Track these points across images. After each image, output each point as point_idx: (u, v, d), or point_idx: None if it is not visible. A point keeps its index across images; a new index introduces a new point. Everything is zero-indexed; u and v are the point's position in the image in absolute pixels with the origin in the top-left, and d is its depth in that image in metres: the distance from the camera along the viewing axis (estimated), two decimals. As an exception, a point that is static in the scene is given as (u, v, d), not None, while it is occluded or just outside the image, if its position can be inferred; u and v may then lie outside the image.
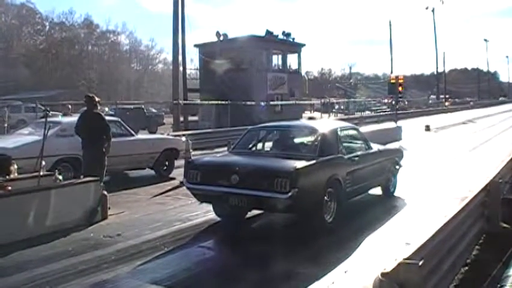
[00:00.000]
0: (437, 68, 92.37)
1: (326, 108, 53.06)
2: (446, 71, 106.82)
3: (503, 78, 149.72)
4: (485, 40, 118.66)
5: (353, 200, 9.65)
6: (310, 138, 9.33)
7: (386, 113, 51.86)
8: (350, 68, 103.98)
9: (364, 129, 28.03)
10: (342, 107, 62.44)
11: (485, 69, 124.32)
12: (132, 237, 8.32)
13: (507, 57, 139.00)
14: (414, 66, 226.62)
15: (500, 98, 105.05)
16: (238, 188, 7.89)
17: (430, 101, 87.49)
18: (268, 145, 9.84)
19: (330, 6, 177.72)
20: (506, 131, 30.90)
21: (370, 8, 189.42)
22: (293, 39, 50.69)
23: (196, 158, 10.68)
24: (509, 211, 8.31)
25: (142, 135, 15.79)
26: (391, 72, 63.96)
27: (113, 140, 11.15)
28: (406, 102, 70.14)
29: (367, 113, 57.19)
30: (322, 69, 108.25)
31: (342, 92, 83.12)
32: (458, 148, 22.25)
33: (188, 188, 8.89)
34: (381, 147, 11.77)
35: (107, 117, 11.83)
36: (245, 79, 41.99)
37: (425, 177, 14.60)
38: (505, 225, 8.20)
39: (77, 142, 11.06)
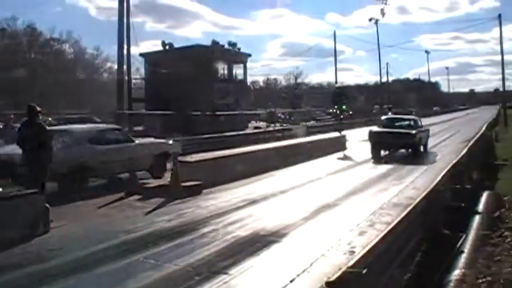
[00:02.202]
0: (380, 78, 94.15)
1: (271, 118, 53.30)
2: (390, 81, 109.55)
3: (444, 88, 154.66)
4: (427, 52, 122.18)
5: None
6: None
7: (331, 122, 52.54)
8: (295, 77, 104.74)
9: (309, 138, 28.71)
10: (287, 117, 62.97)
11: (427, 80, 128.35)
12: (75, 250, 8.13)
13: (447, 68, 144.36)
14: (360, 76, 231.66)
15: (435, 108, 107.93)
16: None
17: (374, 111, 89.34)
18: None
19: (277, 16, 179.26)
20: (448, 140, 31.87)
21: (318, 18, 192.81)
22: (239, 49, 50.88)
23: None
24: (451, 218, 8.57)
25: (141, 141, 16.72)
26: (336, 82, 65.07)
27: (115, 145, 14.16)
28: (351, 112, 71.36)
29: (312, 122, 57.83)
30: (267, 79, 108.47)
31: (288, 101, 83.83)
32: (400, 157, 22.82)
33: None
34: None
35: (110, 125, 14.71)
36: (191, 89, 41.77)
37: (367, 185, 14.87)
38: (446, 231, 8.44)
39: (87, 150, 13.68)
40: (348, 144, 27.90)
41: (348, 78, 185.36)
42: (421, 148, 23.68)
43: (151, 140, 17.95)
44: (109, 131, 15.93)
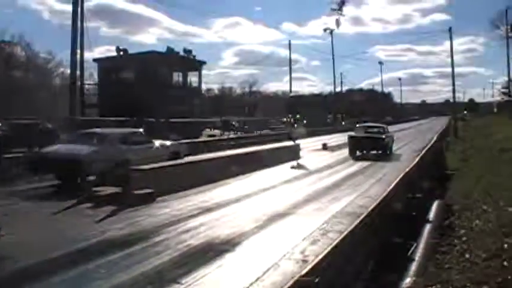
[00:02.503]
0: (334, 87, 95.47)
1: (226, 127, 53.23)
2: (344, 90, 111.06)
3: (397, 98, 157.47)
4: (380, 63, 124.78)
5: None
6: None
7: (285, 131, 52.73)
8: (250, 86, 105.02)
9: (263, 147, 28.79)
10: (242, 126, 63.01)
11: (380, 90, 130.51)
12: (24, 259, 7.92)
13: (399, 79, 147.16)
14: (315, 86, 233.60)
15: (388, 118, 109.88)
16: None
17: (328, 120, 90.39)
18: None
19: (233, 24, 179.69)
20: (400, 150, 32.46)
21: (274, 27, 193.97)
22: (194, 56, 50.72)
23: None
24: (403, 227, 8.71)
25: (158, 143, 19.30)
26: (290, 91, 65.51)
27: (141, 146, 17.70)
28: (305, 121, 71.93)
29: (267, 131, 58.00)
30: (222, 87, 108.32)
31: (242, 110, 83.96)
32: (353, 168, 23.13)
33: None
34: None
35: (134, 129, 17.78)
36: (145, 95, 41.37)
37: (321, 194, 14.99)
38: (398, 240, 8.58)
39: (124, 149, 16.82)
40: (301, 153, 28.07)
41: (302, 88, 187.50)
42: (389, 150, 28.60)
43: (165, 142, 20.54)
44: (135, 133, 18.93)
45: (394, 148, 31.10)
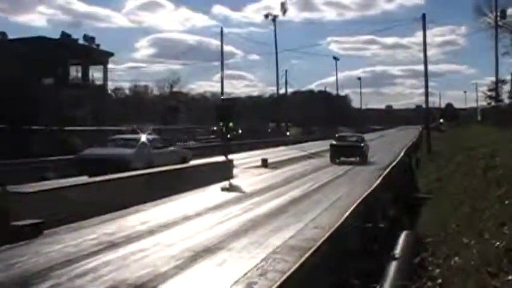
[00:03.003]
0: (278, 89, 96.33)
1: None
2: (290, 92, 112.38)
3: (356, 103, 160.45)
4: (335, 58, 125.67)
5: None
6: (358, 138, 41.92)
7: (215, 143, 52.82)
8: (171, 85, 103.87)
9: (186, 164, 28.74)
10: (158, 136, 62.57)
11: (335, 93, 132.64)
12: None
13: (359, 79, 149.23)
14: (253, 86, 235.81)
15: (341, 129, 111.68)
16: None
17: (270, 130, 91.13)
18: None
19: (149, 5, 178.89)
20: (359, 167, 33.07)
21: (202, 11, 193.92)
22: (98, 45, 50.21)
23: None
24: (361, 264, 8.85)
25: (173, 147, 31.10)
26: (222, 92, 65.66)
27: (163, 150, 27.99)
28: (240, 131, 72.20)
29: (192, 143, 57.87)
30: (135, 85, 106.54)
31: (160, 116, 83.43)
32: (298, 187, 23.41)
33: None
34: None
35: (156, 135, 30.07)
36: (29, 96, 40.22)
37: (259, 223, 15.09)
38: (356, 281, 8.70)
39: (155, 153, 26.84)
40: (235, 171, 28.23)
41: (238, 88, 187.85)
42: (365, 158, 38.89)
43: (175, 147, 32.31)
44: (158, 139, 30.78)
45: (349, 167, 31.99)
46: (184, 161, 29.14)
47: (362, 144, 39.83)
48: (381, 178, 19.73)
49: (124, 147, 26.38)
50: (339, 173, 30.04)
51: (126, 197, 17.60)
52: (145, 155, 26.05)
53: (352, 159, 38.18)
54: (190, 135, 67.16)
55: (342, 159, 38.23)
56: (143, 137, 28.43)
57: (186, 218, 16.01)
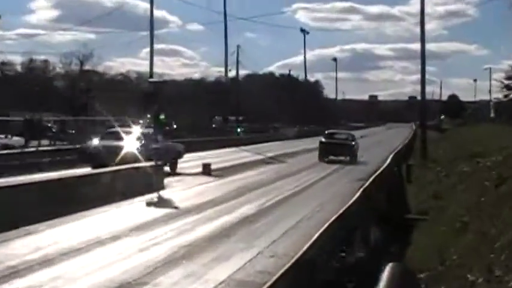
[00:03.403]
0: (226, 71, 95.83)
1: (33, 131, 51.83)
2: (242, 76, 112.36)
3: (330, 92, 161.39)
4: (303, 31, 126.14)
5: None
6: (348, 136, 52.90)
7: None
8: (81, 61, 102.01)
9: (101, 169, 28.54)
10: (64, 130, 62.14)
11: (302, 78, 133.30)
12: None
13: (335, 60, 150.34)
14: (194, 66, 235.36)
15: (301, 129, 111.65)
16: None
17: (215, 125, 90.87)
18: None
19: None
20: (332, 176, 33.33)
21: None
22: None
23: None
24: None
25: (169, 142, 37.98)
26: (151, 73, 65.21)
27: (162, 143, 33.32)
28: (175, 126, 72.08)
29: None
30: (31, 59, 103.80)
31: (67, 102, 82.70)
32: (251, 202, 23.49)
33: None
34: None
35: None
36: None
37: (195, 250, 15.07)
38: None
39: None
40: (167, 180, 28.16)
41: (173, 68, 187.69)
42: (355, 157, 46.86)
43: (168, 141, 37.67)
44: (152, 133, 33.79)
45: (323, 174, 32.25)
46: (179, 156, 36.80)
47: (353, 143, 48.86)
48: (360, 191, 19.82)
49: (127, 141, 33.02)
50: (306, 183, 30.27)
51: (6, 214, 17.25)
52: (148, 149, 31.31)
53: (342, 158, 46.27)
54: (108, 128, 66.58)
55: (331, 157, 45.82)
56: (142, 130, 34.86)
57: (99, 243, 15.86)
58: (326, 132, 55.04)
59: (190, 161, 39.39)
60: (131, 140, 32.95)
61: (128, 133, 34.38)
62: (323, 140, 49.24)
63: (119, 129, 36.59)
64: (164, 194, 25.14)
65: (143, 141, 32.71)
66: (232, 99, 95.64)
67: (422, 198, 28.92)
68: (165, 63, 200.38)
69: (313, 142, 63.00)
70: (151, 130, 33.99)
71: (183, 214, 20.86)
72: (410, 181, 37.70)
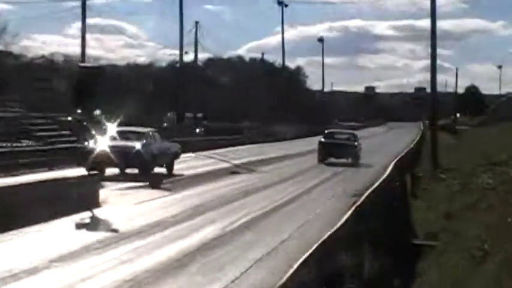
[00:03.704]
0: (181, 54, 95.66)
1: None
2: (202, 60, 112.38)
3: (315, 82, 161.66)
4: (281, 4, 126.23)
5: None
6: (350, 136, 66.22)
7: (67, 145, 52.37)
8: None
9: (13, 179, 28.36)
10: None
11: (279, 63, 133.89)
12: None
13: (321, 41, 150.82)
14: (139, 47, 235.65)
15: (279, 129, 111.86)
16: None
17: (166, 124, 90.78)
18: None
19: None
20: (318, 190, 33.43)
21: None
22: None
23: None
24: None
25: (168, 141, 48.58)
26: (83, 58, 65.04)
27: (164, 143, 47.45)
28: (118, 121, 71.80)
29: (28, 142, 57.06)
30: None
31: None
32: (214, 223, 23.47)
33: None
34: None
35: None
36: None
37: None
38: None
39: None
40: (104, 194, 27.98)
41: (112, 50, 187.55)
42: (358, 159, 55.60)
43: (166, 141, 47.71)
44: (157, 132, 46.85)
45: (305, 187, 32.38)
46: (176, 157, 44.95)
47: (355, 143, 57.58)
48: (352, 210, 19.76)
49: (132, 140, 40.34)
50: (284, 199, 30.34)
51: None
52: (153, 149, 40.48)
53: (343, 160, 54.96)
54: (22, 128, 65.99)
55: (332, 160, 54.05)
56: (147, 130, 43.96)
57: (11, 278, 15.70)
58: (326, 131, 63.33)
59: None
60: (134, 140, 40.09)
61: (132, 133, 41.37)
62: (322, 140, 57.06)
63: (125, 128, 40.83)
64: (100, 212, 25.02)
65: (144, 141, 39.96)
66: (189, 91, 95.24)
67: (432, 219, 28.88)
68: (101, 43, 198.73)
69: (294, 146, 63.45)
70: (152, 129, 41.72)
71: (123, 239, 20.72)
72: (417, 196, 37.70)
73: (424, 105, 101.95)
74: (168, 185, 34.29)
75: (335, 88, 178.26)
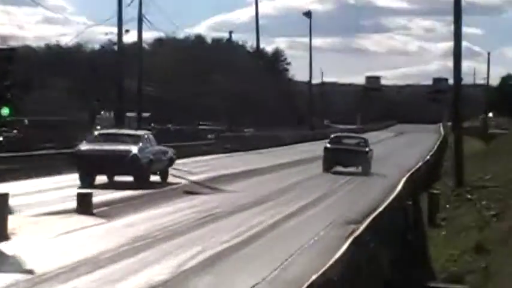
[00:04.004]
0: (121, 32, 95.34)
1: None
2: (149, 41, 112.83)
3: (300, 74, 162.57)
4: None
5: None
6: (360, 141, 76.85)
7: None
8: None
9: None
10: None
11: (255, 46, 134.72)
12: None
13: (308, 15, 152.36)
14: (72, 24, 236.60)
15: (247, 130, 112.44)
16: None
17: (100, 126, 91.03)
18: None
19: None
20: (307, 214, 33.18)
21: None
22: None
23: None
24: None
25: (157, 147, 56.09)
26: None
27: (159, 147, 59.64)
28: (27, 121, 72.05)
29: None
30: None
31: None
32: (155, 268, 23.06)
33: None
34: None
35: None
36: None
37: None
38: None
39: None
40: (14, 221, 27.53)
41: (24, 28, 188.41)
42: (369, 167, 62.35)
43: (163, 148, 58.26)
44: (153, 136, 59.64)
45: (288, 211, 32.22)
46: (171, 163, 53.02)
47: (366, 149, 63.60)
48: (348, 243, 19.36)
49: (127, 144, 46.25)
50: (257, 228, 29.94)
51: None
52: (149, 152, 46.76)
53: (352, 169, 60.40)
54: None
55: (339, 168, 57.34)
56: (142, 132, 47.41)
57: None
58: (332, 135, 70.04)
59: (56, 189, 39.03)
60: (129, 144, 45.82)
61: (126, 136, 48.37)
62: (328, 145, 63.32)
63: (114, 130, 47.96)
64: (8, 246, 24.54)
65: (140, 145, 46.07)
66: (130, 82, 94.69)
67: (457, 253, 28.64)
68: (12, 17, 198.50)
69: (271, 156, 63.63)
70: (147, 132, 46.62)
71: (39, 284, 20.25)
72: (436, 223, 37.32)
73: (445, 101, 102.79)
74: (103, 209, 33.85)
75: (326, 79, 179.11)
